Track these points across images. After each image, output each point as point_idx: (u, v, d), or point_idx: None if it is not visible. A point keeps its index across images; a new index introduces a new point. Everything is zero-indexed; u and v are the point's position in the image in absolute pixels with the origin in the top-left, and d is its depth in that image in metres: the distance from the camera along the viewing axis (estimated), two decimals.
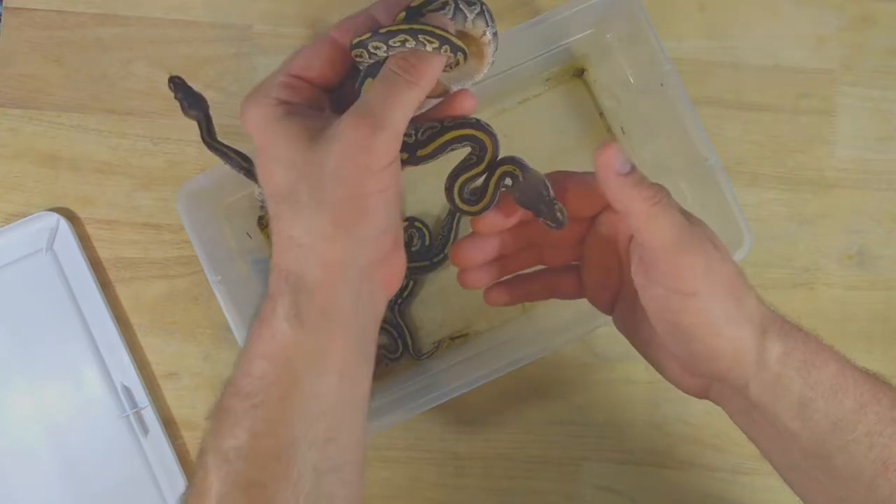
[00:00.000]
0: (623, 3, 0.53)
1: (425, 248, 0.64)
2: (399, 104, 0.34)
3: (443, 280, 0.65)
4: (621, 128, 0.64)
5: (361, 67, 0.36)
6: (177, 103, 0.49)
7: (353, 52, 0.35)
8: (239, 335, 0.53)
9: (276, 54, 0.66)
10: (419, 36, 0.34)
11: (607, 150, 0.36)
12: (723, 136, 0.65)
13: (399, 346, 0.63)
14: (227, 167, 0.52)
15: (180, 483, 0.62)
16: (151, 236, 0.65)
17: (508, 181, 0.39)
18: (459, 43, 0.35)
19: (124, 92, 0.65)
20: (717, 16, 0.66)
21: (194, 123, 0.52)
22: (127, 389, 0.62)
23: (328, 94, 0.37)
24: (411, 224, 0.64)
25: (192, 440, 0.63)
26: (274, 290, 0.34)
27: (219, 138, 0.52)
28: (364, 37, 0.35)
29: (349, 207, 0.33)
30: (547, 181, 0.38)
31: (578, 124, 0.65)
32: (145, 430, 0.62)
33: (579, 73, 0.65)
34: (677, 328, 0.37)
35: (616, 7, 0.54)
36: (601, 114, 0.65)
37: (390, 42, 0.34)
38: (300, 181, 0.33)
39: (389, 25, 0.35)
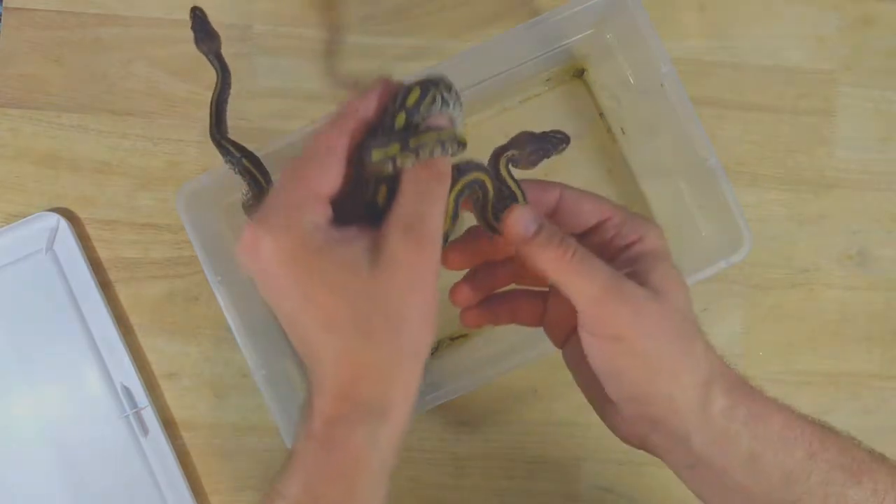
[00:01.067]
0: (623, 3, 0.53)
1: None
2: (439, 213, 0.34)
3: (443, 280, 0.64)
4: (621, 128, 0.64)
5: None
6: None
7: (377, 166, 0.34)
8: (239, 335, 0.53)
9: (275, 54, 0.66)
10: (446, 144, 0.35)
11: (513, 212, 0.37)
12: (723, 136, 0.65)
13: None
14: (226, 166, 0.52)
15: (180, 483, 0.62)
16: (151, 236, 0.65)
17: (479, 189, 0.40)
18: (466, 142, 0.36)
19: (124, 92, 0.65)
20: (717, 16, 0.66)
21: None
22: (127, 390, 0.62)
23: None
24: None
25: (191, 441, 0.63)
26: (349, 414, 0.33)
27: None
28: (390, 149, 0.34)
29: (423, 328, 0.34)
30: (526, 135, 0.42)
31: (578, 124, 0.65)
32: (145, 431, 0.62)
33: (579, 73, 0.65)
34: (611, 369, 0.37)
35: (616, 7, 0.54)
36: (601, 114, 0.65)
37: (421, 153, 0.34)
38: (372, 311, 0.32)
39: (418, 136, 0.35)
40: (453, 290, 0.44)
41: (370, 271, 0.32)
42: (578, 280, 0.36)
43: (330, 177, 0.34)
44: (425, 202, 0.34)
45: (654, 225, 0.40)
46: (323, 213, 0.33)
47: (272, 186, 0.49)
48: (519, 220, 0.37)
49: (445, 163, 0.35)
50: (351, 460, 0.33)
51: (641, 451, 0.63)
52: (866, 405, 0.64)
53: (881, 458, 0.38)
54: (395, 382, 0.33)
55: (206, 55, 0.51)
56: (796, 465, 0.36)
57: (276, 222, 0.32)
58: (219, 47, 0.52)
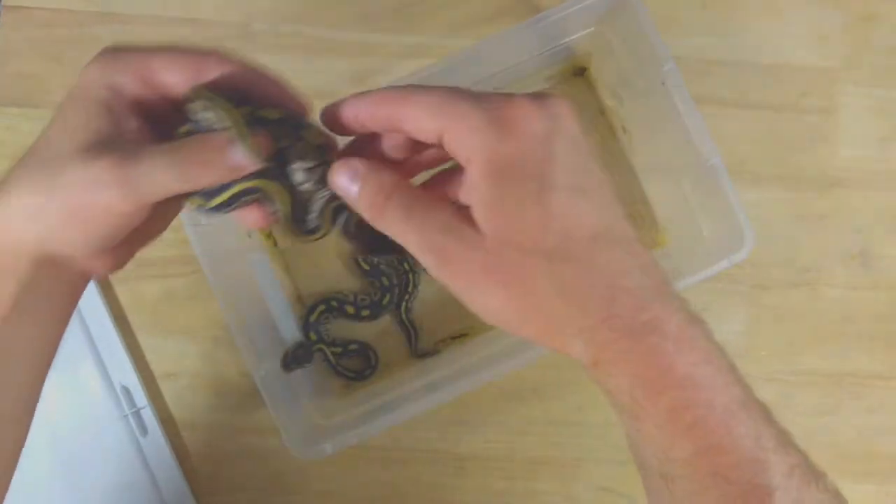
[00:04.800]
0: (624, 1, 0.53)
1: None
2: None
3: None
4: (623, 127, 0.64)
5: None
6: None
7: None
8: (238, 335, 0.53)
9: (275, 52, 0.66)
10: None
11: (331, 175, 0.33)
12: (725, 134, 0.65)
13: (372, 364, 0.63)
14: None
15: (180, 483, 0.62)
16: None
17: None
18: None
19: None
20: (718, 14, 0.66)
21: None
22: (126, 390, 0.62)
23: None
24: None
25: (191, 440, 0.63)
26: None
27: None
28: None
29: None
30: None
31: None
32: (144, 431, 0.62)
33: (580, 71, 0.65)
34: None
35: (617, 5, 0.54)
36: (602, 112, 0.65)
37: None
38: (49, 165, 0.32)
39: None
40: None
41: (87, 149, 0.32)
42: (400, 232, 0.31)
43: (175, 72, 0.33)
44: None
45: (491, 133, 0.30)
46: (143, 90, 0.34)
47: None
48: (340, 184, 0.33)
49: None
50: None
51: None
52: (869, 405, 0.64)
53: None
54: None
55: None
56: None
57: (112, 59, 0.33)
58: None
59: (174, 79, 0.33)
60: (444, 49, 0.65)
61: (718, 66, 0.66)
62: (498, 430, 0.64)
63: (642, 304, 0.30)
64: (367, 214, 0.32)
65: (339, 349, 0.63)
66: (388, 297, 0.63)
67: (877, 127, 0.66)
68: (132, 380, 0.62)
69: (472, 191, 0.30)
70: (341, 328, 0.64)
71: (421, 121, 0.31)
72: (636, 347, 0.29)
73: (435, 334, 0.65)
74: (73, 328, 0.62)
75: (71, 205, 0.31)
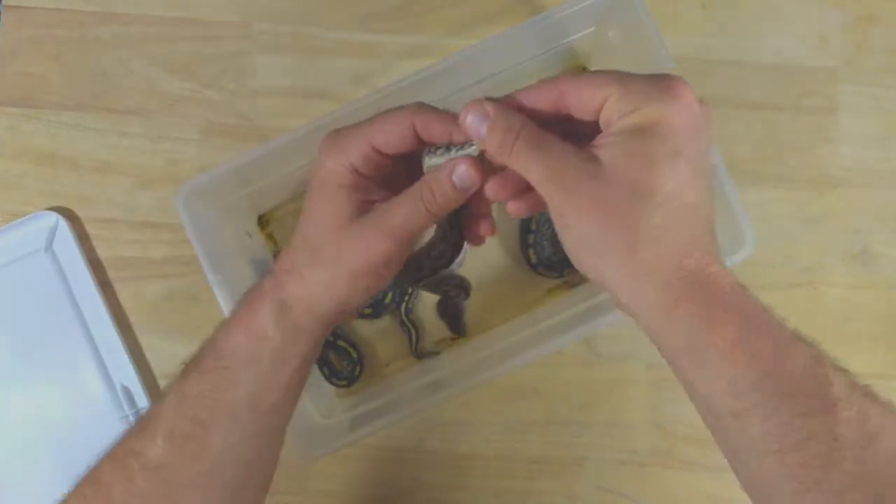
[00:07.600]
0: (625, 1, 0.53)
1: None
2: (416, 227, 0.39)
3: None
4: None
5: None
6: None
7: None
8: None
9: (275, 53, 0.66)
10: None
11: (465, 111, 0.37)
12: (725, 135, 0.65)
13: (357, 369, 0.63)
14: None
15: None
16: (151, 235, 0.64)
17: None
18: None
19: (123, 90, 0.65)
20: (718, 14, 0.66)
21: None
22: (127, 390, 0.62)
23: (402, 159, 0.41)
24: None
25: None
26: (266, 291, 0.40)
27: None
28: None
29: (353, 280, 0.40)
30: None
31: None
32: None
33: (581, 71, 0.65)
34: (563, 242, 0.39)
35: (618, 5, 0.54)
36: None
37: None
38: (326, 244, 0.40)
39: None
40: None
41: (350, 222, 0.40)
42: (525, 165, 0.36)
43: (391, 141, 0.39)
44: (409, 215, 0.39)
45: (661, 97, 0.35)
46: (371, 163, 0.40)
47: None
48: (470, 123, 0.37)
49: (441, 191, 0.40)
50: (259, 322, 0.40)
51: (643, 451, 0.64)
52: None
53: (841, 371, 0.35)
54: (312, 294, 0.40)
55: None
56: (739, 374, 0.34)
57: (335, 151, 0.40)
58: None
59: (395, 145, 0.39)
60: (444, 49, 0.65)
61: (718, 66, 0.66)
62: (498, 430, 0.64)
63: (710, 260, 0.36)
64: (496, 151, 0.37)
65: (345, 343, 0.63)
66: (389, 296, 0.63)
67: (877, 127, 0.66)
68: (133, 380, 0.62)
69: (615, 135, 0.35)
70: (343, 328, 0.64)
71: (588, 91, 0.37)
72: (701, 292, 0.35)
73: (435, 334, 0.65)
74: (74, 328, 0.62)
75: (355, 269, 0.39)
